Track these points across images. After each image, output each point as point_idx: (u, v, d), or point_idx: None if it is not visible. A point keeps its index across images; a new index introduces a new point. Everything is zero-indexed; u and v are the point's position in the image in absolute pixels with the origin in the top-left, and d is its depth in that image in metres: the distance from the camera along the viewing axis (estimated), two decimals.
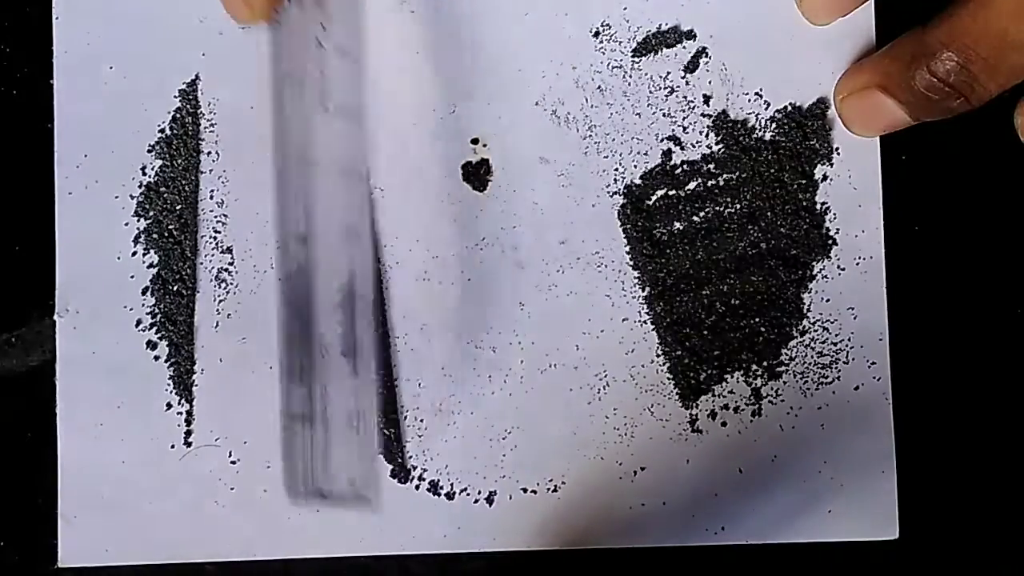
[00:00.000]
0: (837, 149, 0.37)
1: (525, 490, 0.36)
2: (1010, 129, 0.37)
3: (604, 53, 0.37)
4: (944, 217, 0.38)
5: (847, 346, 0.37)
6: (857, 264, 0.37)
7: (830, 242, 0.37)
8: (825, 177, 0.37)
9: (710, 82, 0.37)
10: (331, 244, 0.31)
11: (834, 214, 0.37)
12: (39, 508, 0.36)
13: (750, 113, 0.37)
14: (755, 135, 0.37)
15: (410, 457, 0.36)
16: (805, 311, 0.37)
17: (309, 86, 0.31)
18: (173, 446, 0.36)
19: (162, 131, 0.37)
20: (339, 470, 0.31)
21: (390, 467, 0.36)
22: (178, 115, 0.37)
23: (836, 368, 0.37)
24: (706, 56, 0.37)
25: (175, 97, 0.37)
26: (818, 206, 0.37)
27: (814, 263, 0.37)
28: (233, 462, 0.36)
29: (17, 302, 0.37)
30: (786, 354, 0.37)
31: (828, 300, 0.37)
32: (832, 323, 0.37)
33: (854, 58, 0.37)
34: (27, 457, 0.37)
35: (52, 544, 0.36)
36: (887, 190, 0.37)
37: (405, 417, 0.36)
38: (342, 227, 0.32)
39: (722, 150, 0.37)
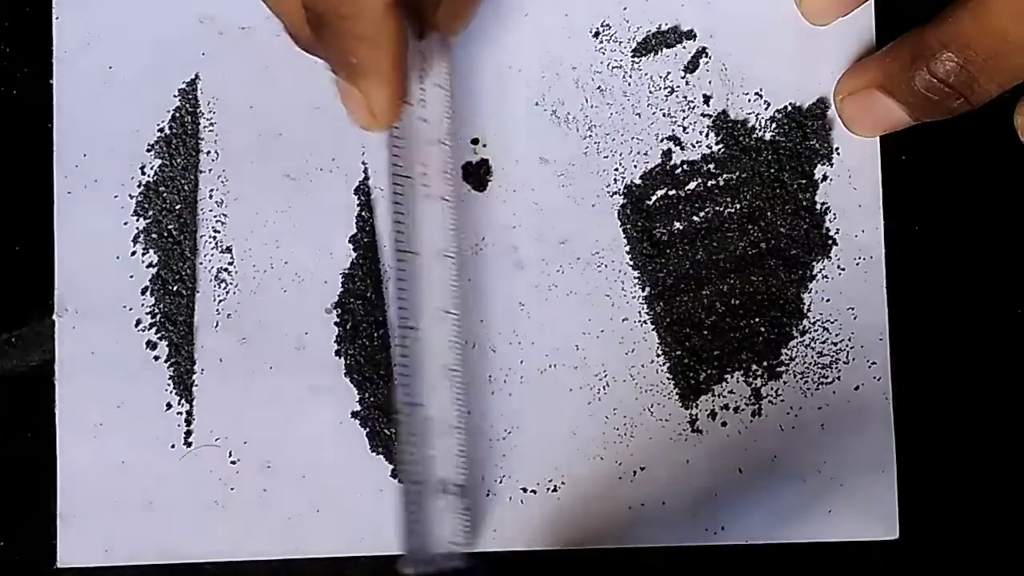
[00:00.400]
0: (837, 149, 0.37)
1: (525, 490, 0.36)
2: (1010, 129, 0.37)
3: (604, 53, 0.37)
4: (944, 217, 0.38)
5: (847, 346, 0.37)
6: (857, 264, 0.37)
7: (830, 242, 0.37)
8: (825, 177, 0.37)
9: (710, 82, 0.37)
10: (434, 326, 0.35)
11: (834, 214, 0.37)
12: (39, 508, 0.36)
13: (750, 113, 0.37)
14: (755, 135, 0.37)
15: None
16: (805, 311, 0.37)
17: (418, 178, 0.35)
18: (173, 446, 0.36)
19: (161, 131, 0.37)
20: (443, 538, 0.35)
21: (391, 467, 0.36)
22: (178, 115, 0.37)
23: (836, 368, 0.37)
24: (706, 56, 0.37)
25: (175, 97, 0.37)
26: (818, 206, 0.37)
27: (814, 263, 0.37)
28: (233, 462, 0.36)
29: (17, 302, 0.37)
30: (786, 354, 0.37)
31: (828, 300, 0.37)
32: (832, 323, 0.37)
33: (854, 58, 0.37)
34: (27, 457, 0.37)
35: (52, 544, 0.36)
36: (887, 190, 0.37)
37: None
38: (439, 310, 0.35)
39: (722, 150, 0.37)
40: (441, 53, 0.35)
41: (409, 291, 0.34)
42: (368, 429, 0.37)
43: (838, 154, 0.37)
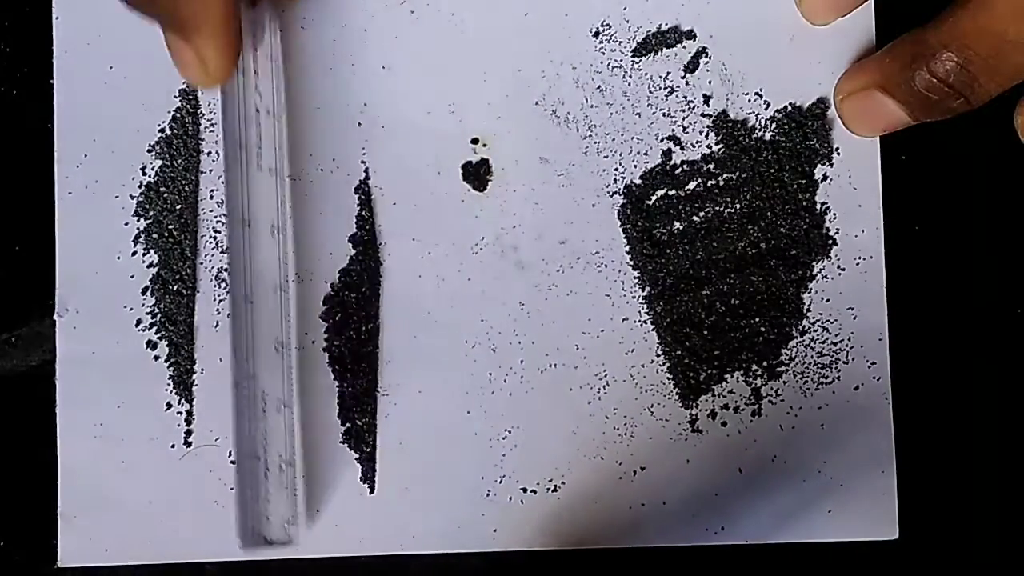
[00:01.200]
0: (837, 149, 0.37)
1: (525, 490, 0.36)
2: (1010, 129, 0.37)
3: (604, 53, 0.37)
4: (944, 217, 0.38)
5: (847, 346, 0.37)
6: (857, 264, 0.37)
7: (830, 242, 0.37)
8: (825, 177, 0.37)
9: (710, 82, 0.37)
10: (268, 299, 0.34)
11: (834, 214, 0.37)
12: (39, 508, 0.36)
13: (750, 113, 0.37)
14: (755, 135, 0.37)
15: (408, 455, 0.36)
16: (805, 311, 0.37)
17: (250, 148, 0.34)
18: (173, 446, 0.36)
19: (162, 131, 0.37)
20: (276, 516, 0.34)
21: (391, 465, 0.36)
22: (178, 115, 0.37)
23: (836, 368, 0.37)
24: (706, 56, 0.37)
25: (175, 97, 0.37)
26: (818, 206, 0.37)
27: (814, 263, 0.37)
28: (233, 462, 0.36)
29: (17, 302, 0.37)
30: (786, 354, 0.37)
31: (828, 300, 0.37)
32: (832, 323, 0.37)
33: (854, 58, 0.37)
34: (27, 457, 0.37)
35: (52, 544, 0.36)
36: (887, 190, 0.37)
37: (404, 413, 0.37)
38: (273, 283, 0.34)
39: (722, 150, 0.37)
40: (273, 24, 0.35)
41: (241, 262, 0.34)
42: (347, 424, 0.37)
43: (838, 154, 0.37)
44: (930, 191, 0.38)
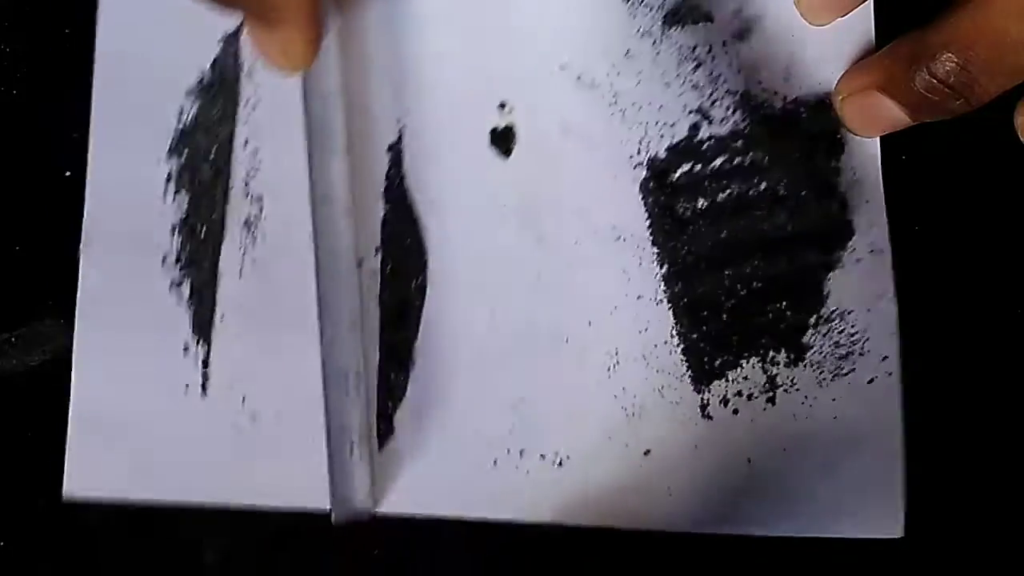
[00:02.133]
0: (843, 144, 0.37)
1: (530, 460, 0.36)
2: (1010, 129, 0.36)
3: (634, 18, 0.37)
4: (944, 217, 0.37)
5: (863, 337, 0.36)
6: (871, 255, 0.36)
7: (854, 227, 0.36)
8: (839, 171, 0.36)
9: (730, 64, 0.37)
10: (345, 277, 0.35)
11: (852, 205, 0.36)
12: (39, 508, 0.36)
13: (776, 95, 0.36)
14: (783, 115, 0.36)
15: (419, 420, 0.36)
16: (826, 298, 0.36)
17: (329, 130, 0.34)
18: (188, 386, 0.36)
19: (201, 78, 0.38)
20: (362, 487, 0.35)
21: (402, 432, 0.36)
22: (217, 63, 0.38)
23: (852, 360, 0.36)
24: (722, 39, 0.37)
25: (218, 42, 0.37)
26: (844, 189, 0.36)
27: (839, 249, 0.36)
28: (247, 409, 0.36)
29: (17, 302, 0.37)
30: (805, 342, 0.36)
31: (845, 290, 0.36)
32: (849, 313, 0.36)
33: (854, 58, 0.36)
34: (27, 457, 0.36)
35: (54, 548, 0.36)
36: (887, 190, 0.36)
37: (417, 376, 0.37)
38: (349, 261, 0.35)
39: (750, 127, 0.36)
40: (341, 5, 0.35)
41: (327, 240, 0.34)
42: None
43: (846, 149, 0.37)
44: (930, 191, 0.37)
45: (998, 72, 0.33)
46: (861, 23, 0.36)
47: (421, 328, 0.36)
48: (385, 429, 0.36)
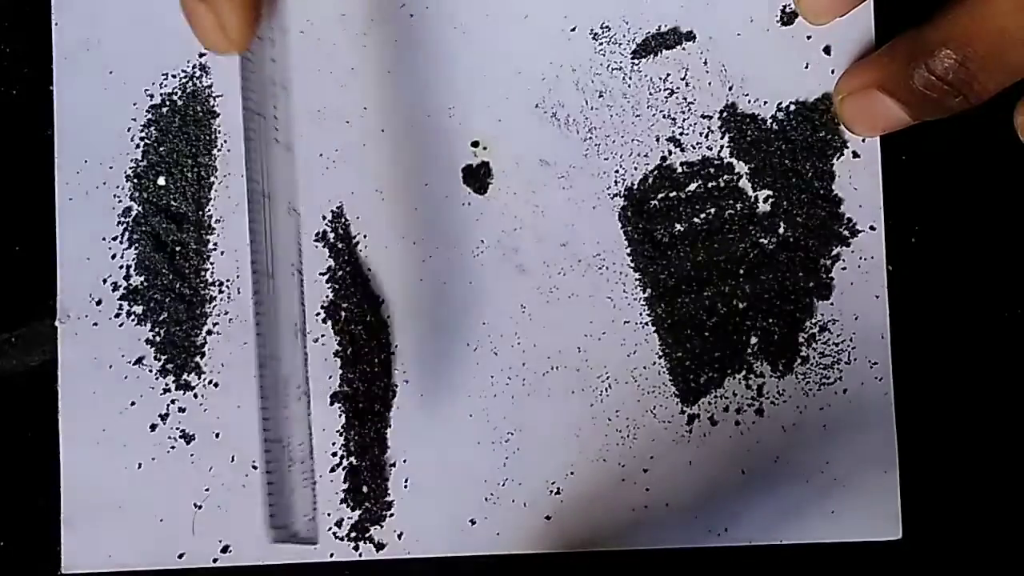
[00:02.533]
0: (847, 142, 0.37)
1: (527, 492, 0.36)
2: (1010, 129, 0.37)
3: (604, 55, 0.37)
4: (944, 217, 0.38)
5: (849, 346, 0.37)
6: (860, 263, 0.37)
7: (847, 233, 0.37)
8: (832, 175, 0.37)
9: (710, 83, 0.37)
10: (286, 280, 0.32)
11: (844, 208, 0.37)
12: (39, 508, 0.36)
13: (755, 109, 0.37)
14: (764, 127, 0.37)
15: (410, 460, 0.36)
16: (809, 311, 0.37)
17: (268, 120, 0.32)
18: (173, 448, 0.36)
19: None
20: (300, 511, 0.31)
21: (394, 469, 0.36)
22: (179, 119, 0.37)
23: (838, 368, 0.37)
24: (705, 57, 0.37)
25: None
26: (836, 194, 0.37)
27: (829, 258, 0.37)
28: (236, 465, 0.36)
29: (17, 302, 0.37)
30: (789, 355, 0.37)
31: (831, 301, 0.37)
32: (834, 323, 0.37)
33: (854, 58, 0.37)
34: (27, 457, 0.37)
35: (54, 548, 0.36)
36: (887, 190, 0.37)
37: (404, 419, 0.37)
38: (289, 263, 0.32)
39: (729, 146, 0.37)
40: None
41: (262, 237, 0.31)
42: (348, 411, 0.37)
43: (847, 147, 0.37)
44: (930, 191, 0.38)
45: (997, 68, 0.33)
46: (861, 23, 0.37)
47: (407, 372, 0.36)
48: (380, 488, 0.36)
